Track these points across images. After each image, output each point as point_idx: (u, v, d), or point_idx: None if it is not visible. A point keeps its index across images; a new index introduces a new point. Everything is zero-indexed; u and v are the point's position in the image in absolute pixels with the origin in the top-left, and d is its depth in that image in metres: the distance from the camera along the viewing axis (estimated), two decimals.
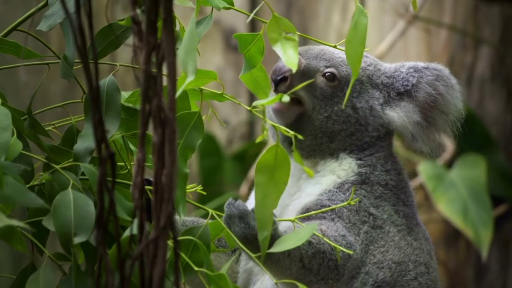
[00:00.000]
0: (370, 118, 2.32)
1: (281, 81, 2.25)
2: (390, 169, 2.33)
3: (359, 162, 2.31)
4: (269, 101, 1.99)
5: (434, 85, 2.32)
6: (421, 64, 2.35)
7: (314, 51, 2.32)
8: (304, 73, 2.28)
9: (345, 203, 2.20)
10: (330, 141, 2.31)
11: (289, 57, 2.04)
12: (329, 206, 2.24)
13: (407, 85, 2.33)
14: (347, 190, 2.28)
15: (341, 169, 2.31)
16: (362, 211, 2.26)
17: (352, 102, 2.30)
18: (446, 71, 2.34)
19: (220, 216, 2.07)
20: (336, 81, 2.30)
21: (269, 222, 2.01)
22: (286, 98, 1.97)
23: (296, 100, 2.28)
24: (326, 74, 2.29)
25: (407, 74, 2.33)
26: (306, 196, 2.30)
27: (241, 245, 2.05)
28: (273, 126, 2.03)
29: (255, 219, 2.03)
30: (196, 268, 1.96)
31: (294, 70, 2.04)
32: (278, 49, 2.05)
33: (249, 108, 2.05)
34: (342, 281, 2.18)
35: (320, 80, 2.29)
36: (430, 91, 2.31)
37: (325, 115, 2.29)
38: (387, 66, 2.37)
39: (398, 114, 2.32)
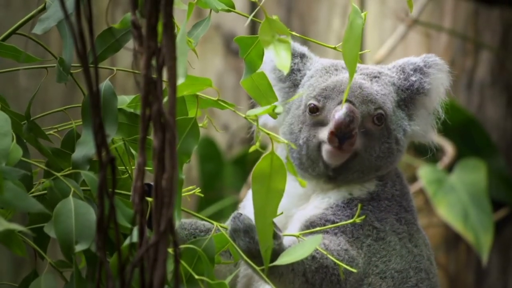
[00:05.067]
0: (405, 141, 2.31)
1: (348, 139, 2.19)
2: (396, 181, 2.33)
3: (377, 182, 2.31)
4: (263, 111, 1.97)
5: (442, 80, 2.32)
6: (422, 63, 2.33)
7: (357, 92, 2.24)
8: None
9: (350, 220, 2.19)
10: (376, 171, 2.29)
11: (281, 59, 2.00)
12: (333, 220, 2.23)
13: (423, 92, 2.32)
14: (354, 206, 2.26)
15: (357, 189, 2.29)
16: (366, 225, 2.24)
17: (394, 135, 2.28)
18: (442, 61, 2.34)
19: (224, 228, 2.07)
20: (383, 121, 2.26)
21: (269, 231, 2.00)
22: (279, 109, 1.96)
23: None
24: (376, 117, 2.25)
25: (420, 82, 2.32)
26: (312, 209, 2.28)
27: (246, 258, 2.05)
28: (268, 134, 2.00)
29: None
30: (196, 276, 1.95)
31: (286, 72, 1.98)
32: (270, 51, 2.02)
33: (243, 116, 2.02)
34: None
35: (371, 124, 2.25)
36: (440, 88, 2.32)
37: (375, 155, 2.26)
38: (395, 76, 2.32)
39: (420, 126, 2.33)
